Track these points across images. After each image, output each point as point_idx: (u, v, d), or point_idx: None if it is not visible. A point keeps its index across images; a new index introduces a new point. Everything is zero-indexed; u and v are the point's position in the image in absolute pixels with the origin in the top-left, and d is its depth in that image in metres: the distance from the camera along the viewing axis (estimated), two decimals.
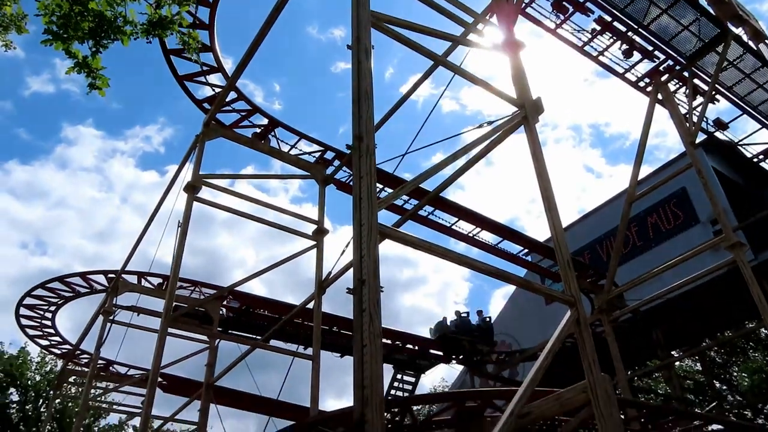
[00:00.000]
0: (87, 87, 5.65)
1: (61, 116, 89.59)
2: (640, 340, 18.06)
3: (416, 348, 21.07)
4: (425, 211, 15.68)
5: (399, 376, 21.37)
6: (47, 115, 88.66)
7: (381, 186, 12.50)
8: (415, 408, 8.58)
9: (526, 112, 6.46)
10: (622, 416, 8.46)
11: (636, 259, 19.42)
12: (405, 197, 14.70)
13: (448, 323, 20.98)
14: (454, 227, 16.44)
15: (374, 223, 4.33)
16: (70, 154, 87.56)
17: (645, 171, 19.17)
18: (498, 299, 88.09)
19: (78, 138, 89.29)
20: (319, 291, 10.86)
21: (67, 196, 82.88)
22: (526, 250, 19.07)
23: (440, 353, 21.54)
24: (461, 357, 20.50)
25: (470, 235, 16.86)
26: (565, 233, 6.53)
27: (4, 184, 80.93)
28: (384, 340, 20.05)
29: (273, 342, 15.51)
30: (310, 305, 11.31)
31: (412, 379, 21.61)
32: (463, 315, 21.25)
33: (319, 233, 11.65)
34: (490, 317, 21.63)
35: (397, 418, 8.36)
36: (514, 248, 18.30)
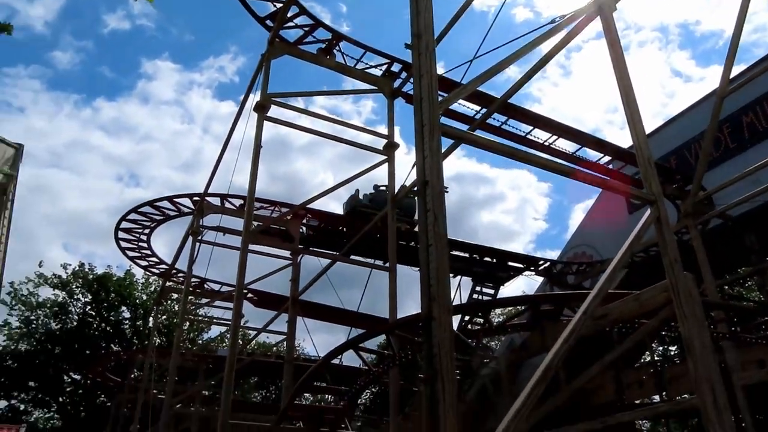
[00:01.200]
0: None
1: (139, 51, 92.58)
2: (732, 246, 17.12)
3: (494, 261, 21.11)
4: (498, 121, 15.16)
5: (478, 288, 21.63)
6: (126, 51, 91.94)
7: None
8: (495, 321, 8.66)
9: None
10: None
11: (728, 162, 18.13)
12: (476, 108, 14.22)
13: (361, 197, 18.40)
14: (528, 137, 15.85)
15: (436, 123, 4.20)
16: (151, 88, 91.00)
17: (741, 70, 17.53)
18: (578, 214, 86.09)
19: (156, 72, 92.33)
20: (392, 204, 10.95)
21: (152, 129, 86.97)
22: (607, 158, 18.23)
23: (518, 264, 21.51)
24: (378, 235, 16.41)
25: (546, 143, 16.22)
26: (650, 139, 6.12)
27: (95, 121, 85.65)
28: (462, 254, 20.27)
29: (353, 257, 15.98)
30: None
31: (491, 291, 21.82)
32: (381, 188, 18.37)
33: (390, 147, 11.59)
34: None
35: (472, 326, 8.54)
36: (593, 157, 17.52)
